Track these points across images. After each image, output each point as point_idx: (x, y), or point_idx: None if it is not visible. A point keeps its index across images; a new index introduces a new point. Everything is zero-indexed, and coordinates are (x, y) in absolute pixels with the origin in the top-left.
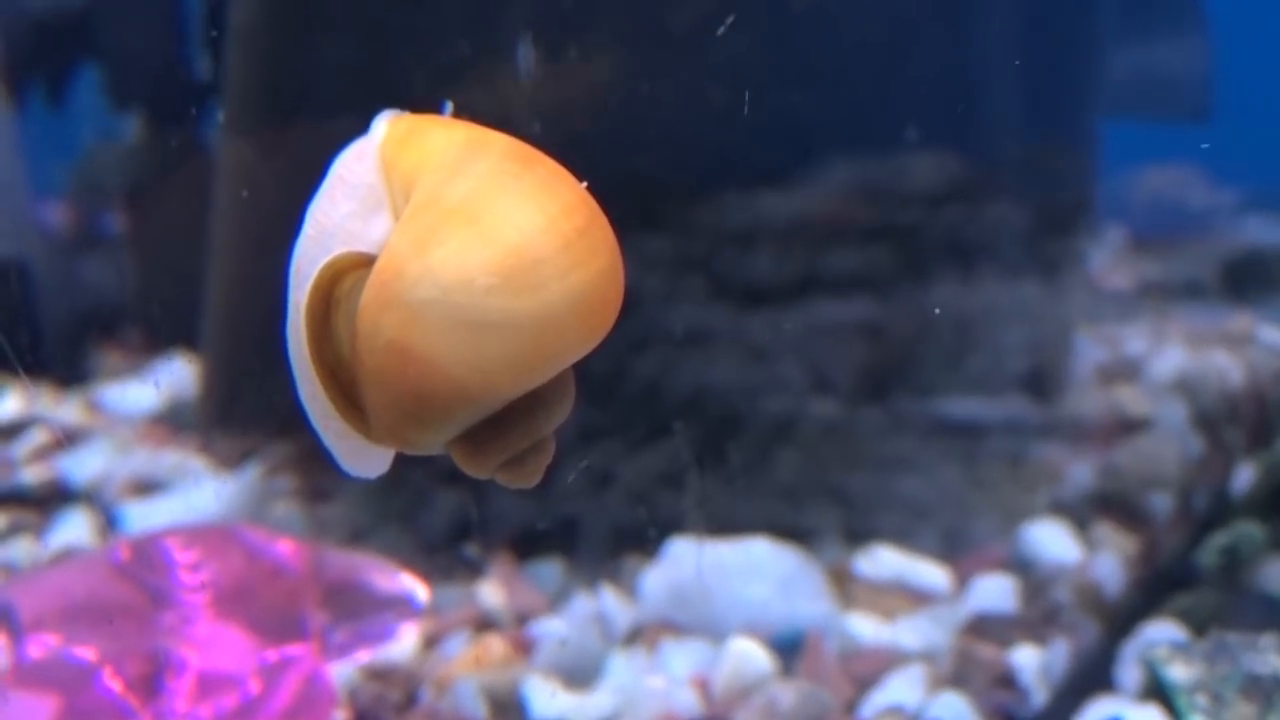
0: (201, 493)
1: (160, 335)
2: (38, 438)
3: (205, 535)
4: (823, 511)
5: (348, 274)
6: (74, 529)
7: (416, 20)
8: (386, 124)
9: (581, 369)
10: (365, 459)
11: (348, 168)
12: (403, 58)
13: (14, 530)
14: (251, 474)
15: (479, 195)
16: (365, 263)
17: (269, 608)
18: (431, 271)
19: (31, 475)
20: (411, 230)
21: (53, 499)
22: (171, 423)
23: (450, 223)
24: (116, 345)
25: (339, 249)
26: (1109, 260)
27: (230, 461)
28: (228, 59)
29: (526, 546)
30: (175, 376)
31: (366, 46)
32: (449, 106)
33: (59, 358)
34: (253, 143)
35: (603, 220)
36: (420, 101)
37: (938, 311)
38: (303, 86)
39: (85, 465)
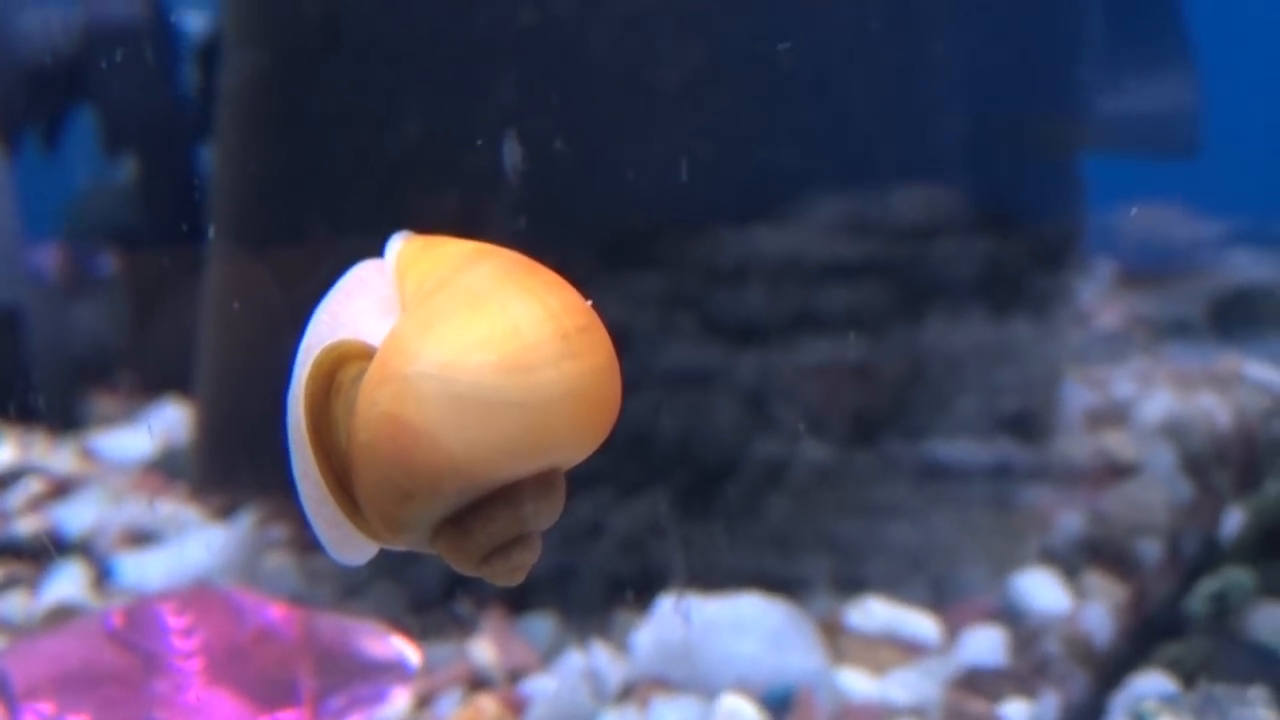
0: (195, 544)
1: (153, 380)
2: (31, 487)
3: (198, 600)
4: (814, 560)
5: (352, 362)
6: (68, 582)
7: (408, 109)
8: (400, 243)
9: None
10: (352, 547)
11: (367, 272)
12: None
13: (8, 584)
14: (244, 524)
15: (482, 287)
16: (370, 354)
17: (262, 673)
18: (429, 347)
19: (25, 526)
20: (414, 315)
21: (46, 550)
22: (165, 470)
23: (452, 307)
24: (109, 390)
25: (347, 335)
26: (1099, 295)
27: (223, 511)
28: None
29: (519, 600)
30: (168, 423)
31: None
32: None
33: (52, 404)
34: (243, 236)
35: (602, 329)
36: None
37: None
38: (292, 167)
39: (79, 515)
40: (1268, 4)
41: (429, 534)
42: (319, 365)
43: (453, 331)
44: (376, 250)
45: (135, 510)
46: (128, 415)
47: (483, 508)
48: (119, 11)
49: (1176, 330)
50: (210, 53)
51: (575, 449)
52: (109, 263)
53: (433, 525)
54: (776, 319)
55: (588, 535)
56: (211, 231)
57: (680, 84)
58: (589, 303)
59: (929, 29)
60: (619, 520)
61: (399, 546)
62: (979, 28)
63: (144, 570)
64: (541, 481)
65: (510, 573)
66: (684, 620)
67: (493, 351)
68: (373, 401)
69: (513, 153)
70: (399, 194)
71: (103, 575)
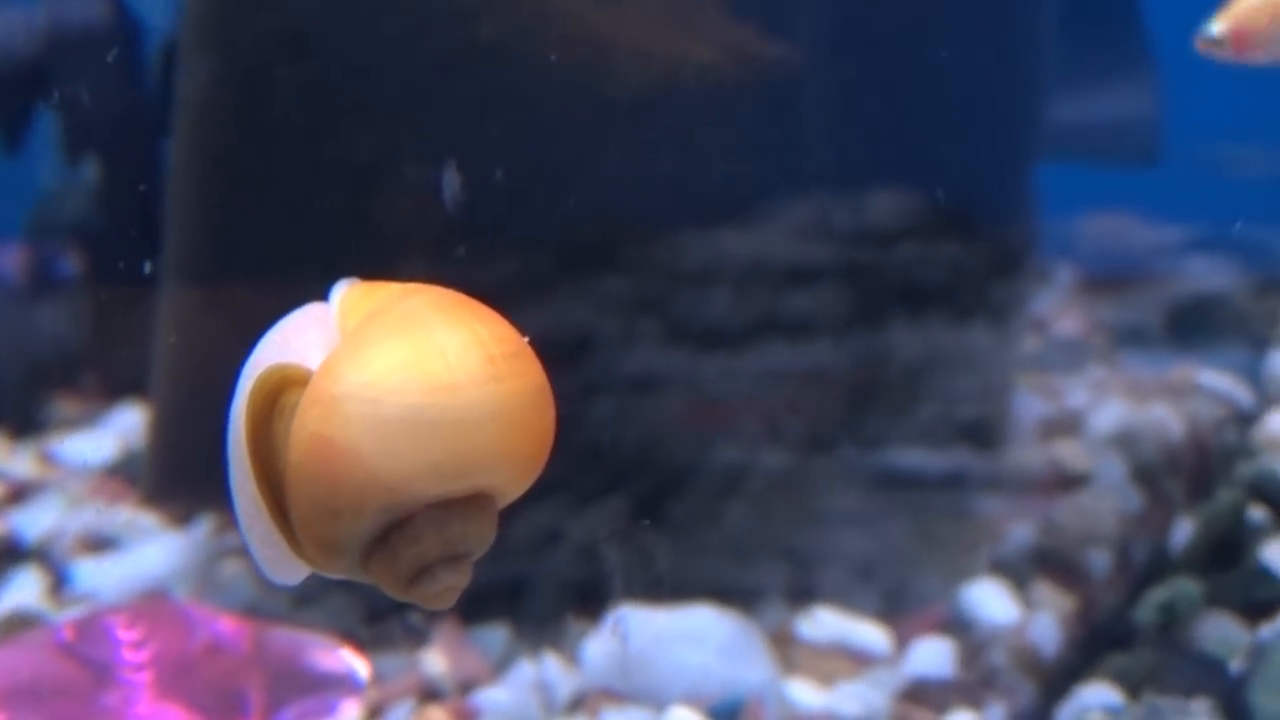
0: (152, 550)
1: (116, 382)
2: None
3: (149, 612)
4: (769, 569)
5: (295, 388)
6: (24, 589)
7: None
8: (344, 287)
9: None
10: (284, 568)
11: (314, 311)
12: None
13: None
14: (201, 531)
15: (411, 316)
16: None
17: (211, 686)
18: (355, 370)
19: None
20: (347, 343)
21: (2, 556)
22: (124, 475)
23: (380, 334)
24: (72, 393)
25: (293, 361)
26: (1059, 301)
27: (180, 518)
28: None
29: (472, 611)
30: (129, 426)
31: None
32: None
33: (12, 407)
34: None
35: (533, 358)
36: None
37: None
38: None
39: (36, 521)
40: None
41: (359, 556)
42: (262, 384)
43: (379, 354)
44: (325, 286)
45: (93, 515)
46: (89, 418)
47: (409, 527)
48: (82, 13)
49: (1133, 338)
50: (173, 54)
51: (502, 473)
52: (73, 264)
53: (362, 546)
54: (740, 324)
55: (543, 544)
56: (167, 240)
57: (637, 96)
58: (525, 339)
59: (891, 36)
60: (575, 529)
61: (332, 572)
62: (939, 36)
63: (100, 577)
64: (471, 504)
65: (438, 596)
66: (621, 640)
67: (417, 371)
68: (303, 423)
69: (451, 183)
70: (357, 204)
71: (59, 582)
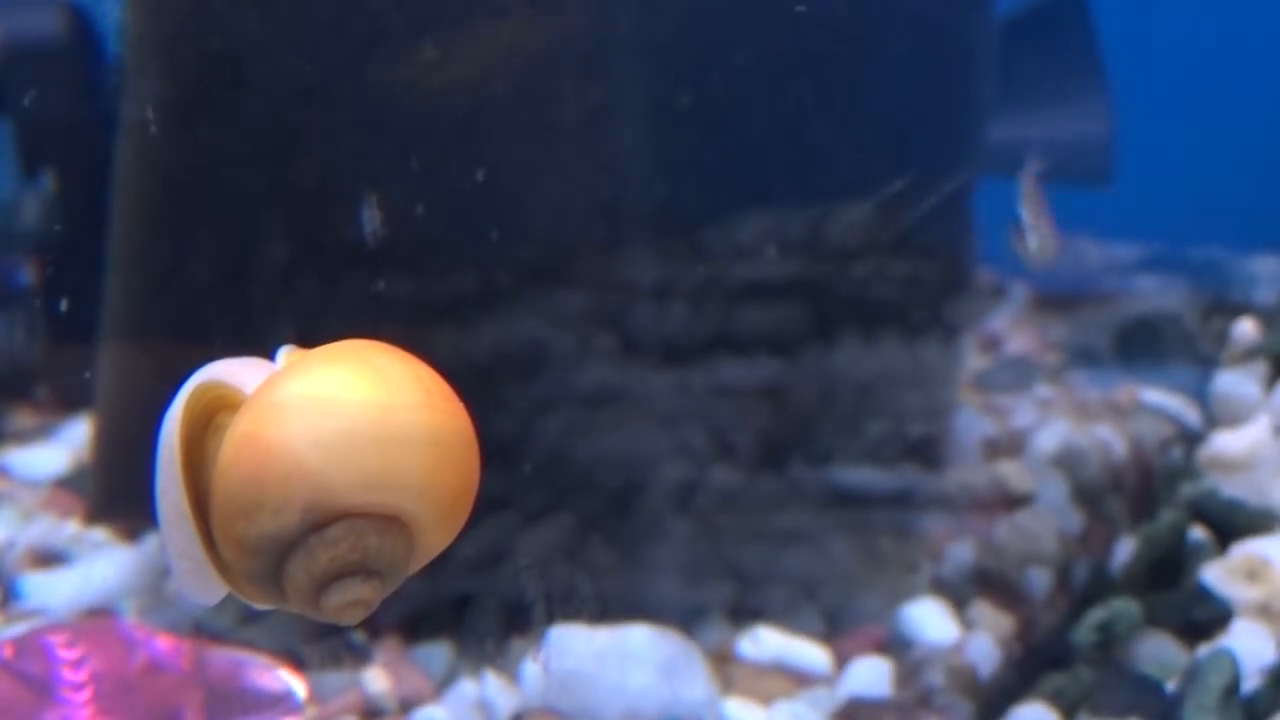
0: (101, 565)
1: (70, 394)
2: None
3: (88, 631)
4: (714, 587)
5: (230, 410)
6: None
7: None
8: (289, 350)
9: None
10: (201, 583)
11: (264, 364)
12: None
13: None
14: (150, 546)
15: (354, 347)
16: None
17: (149, 705)
18: (294, 382)
19: None
20: (287, 366)
21: None
22: (76, 488)
23: (320, 359)
24: (26, 404)
25: (236, 385)
26: (1012, 319)
27: (130, 533)
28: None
29: (416, 629)
30: (81, 440)
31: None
32: None
33: None
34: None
35: (463, 409)
36: None
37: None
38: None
39: None
40: (1178, 32)
41: (275, 559)
42: (199, 396)
43: (320, 369)
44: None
45: (43, 528)
46: (43, 431)
47: (328, 532)
48: (39, 24)
49: (1083, 356)
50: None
51: (424, 499)
52: (28, 275)
53: (279, 549)
54: (695, 339)
55: (488, 562)
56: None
57: (583, 117)
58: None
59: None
60: (522, 546)
61: (247, 584)
62: (880, 56)
63: (49, 591)
64: (390, 525)
65: (348, 608)
66: (543, 666)
67: (356, 384)
68: (235, 428)
69: (371, 219)
70: (302, 230)
71: (8, 596)
